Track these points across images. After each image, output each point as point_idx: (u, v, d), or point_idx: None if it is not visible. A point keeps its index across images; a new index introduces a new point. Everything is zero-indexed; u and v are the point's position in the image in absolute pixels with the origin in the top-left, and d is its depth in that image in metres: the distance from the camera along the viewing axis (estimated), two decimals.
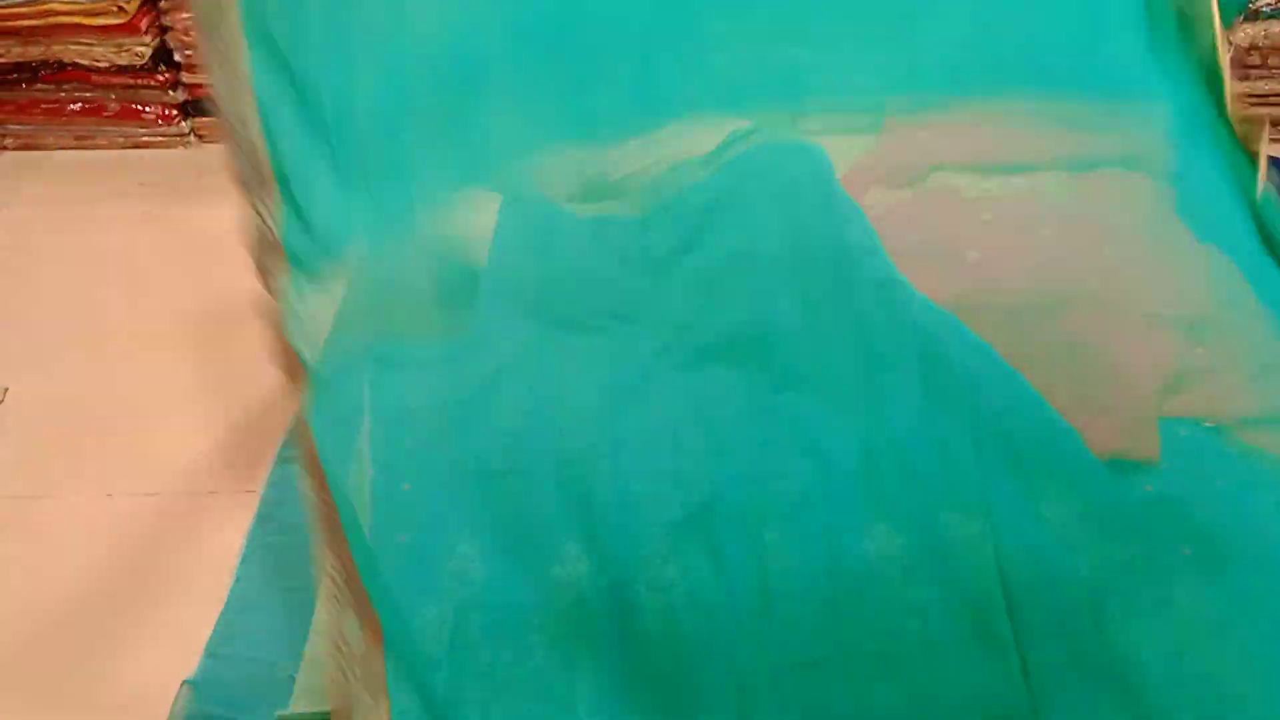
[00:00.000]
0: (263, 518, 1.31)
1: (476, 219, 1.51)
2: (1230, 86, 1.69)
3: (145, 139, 2.32)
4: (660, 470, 1.33)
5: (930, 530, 1.26)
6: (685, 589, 1.21)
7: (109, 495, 1.37)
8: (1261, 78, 2.31)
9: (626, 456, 1.34)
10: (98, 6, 2.14)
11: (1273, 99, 2.31)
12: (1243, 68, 2.29)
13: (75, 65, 2.23)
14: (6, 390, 1.54)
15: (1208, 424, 1.38)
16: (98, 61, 2.21)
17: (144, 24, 2.17)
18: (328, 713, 1.07)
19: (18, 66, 2.24)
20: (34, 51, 2.21)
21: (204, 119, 2.33)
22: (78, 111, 2.29)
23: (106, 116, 2.29)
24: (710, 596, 1.18)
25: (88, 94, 2.28)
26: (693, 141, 1.65)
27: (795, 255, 1.51)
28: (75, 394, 1.55)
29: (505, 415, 1.38)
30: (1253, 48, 2.26)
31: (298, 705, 1.08)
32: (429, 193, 1.53)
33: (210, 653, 1.14)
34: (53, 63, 2.23)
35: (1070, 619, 1.15)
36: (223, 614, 1.18)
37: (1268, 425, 1.29)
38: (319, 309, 1.38)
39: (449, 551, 1.22)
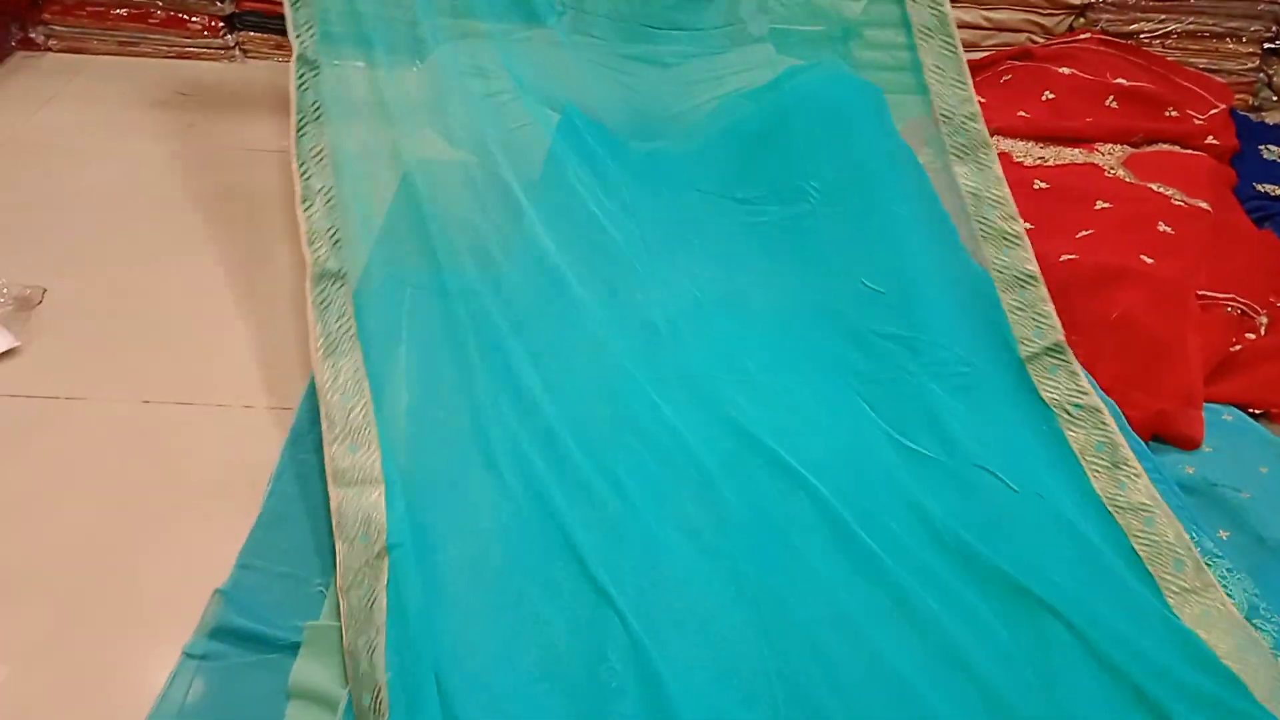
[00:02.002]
0: (297, 435, 1.30)
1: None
2: None
3: (190, 49, 2.30)
4: (697, 406, 1.33)
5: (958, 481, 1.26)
6: (713, 529, 1.20)
7: (146, 401, 1.37)
8: None
9: (666, 390, 1.34)
10: None
11: None
12: None
13: None
14: (45, 291, 1.53)
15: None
16: None
17: None
18: None
19: None
20: None
21: (249, 34, 2.30)
22: (123, 17, 2.26)
23: (152, 24, 2.27)
24: (741, 537, 1.18)
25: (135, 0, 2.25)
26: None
27: (844, 193, 1.50)
28: (113, 298, 1.55)
29: (540, 345, 1.38)
30: None
31: (327, 618, 1.08)
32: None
33: (242, 564, 1.14)
34: None
35: None
36: (255, 526, 1.18)
37: None
38: None
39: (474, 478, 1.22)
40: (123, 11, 2.25)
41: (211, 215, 1.76)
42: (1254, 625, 1.10)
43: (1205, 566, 1.14)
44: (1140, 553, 1.17)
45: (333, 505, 1.14)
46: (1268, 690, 1.03)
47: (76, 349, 1.45)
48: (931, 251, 1.45)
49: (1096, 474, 1.25)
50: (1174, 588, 1.13)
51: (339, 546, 1.11)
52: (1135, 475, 1.24)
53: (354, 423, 1.20)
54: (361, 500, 1.13)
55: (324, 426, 1.20)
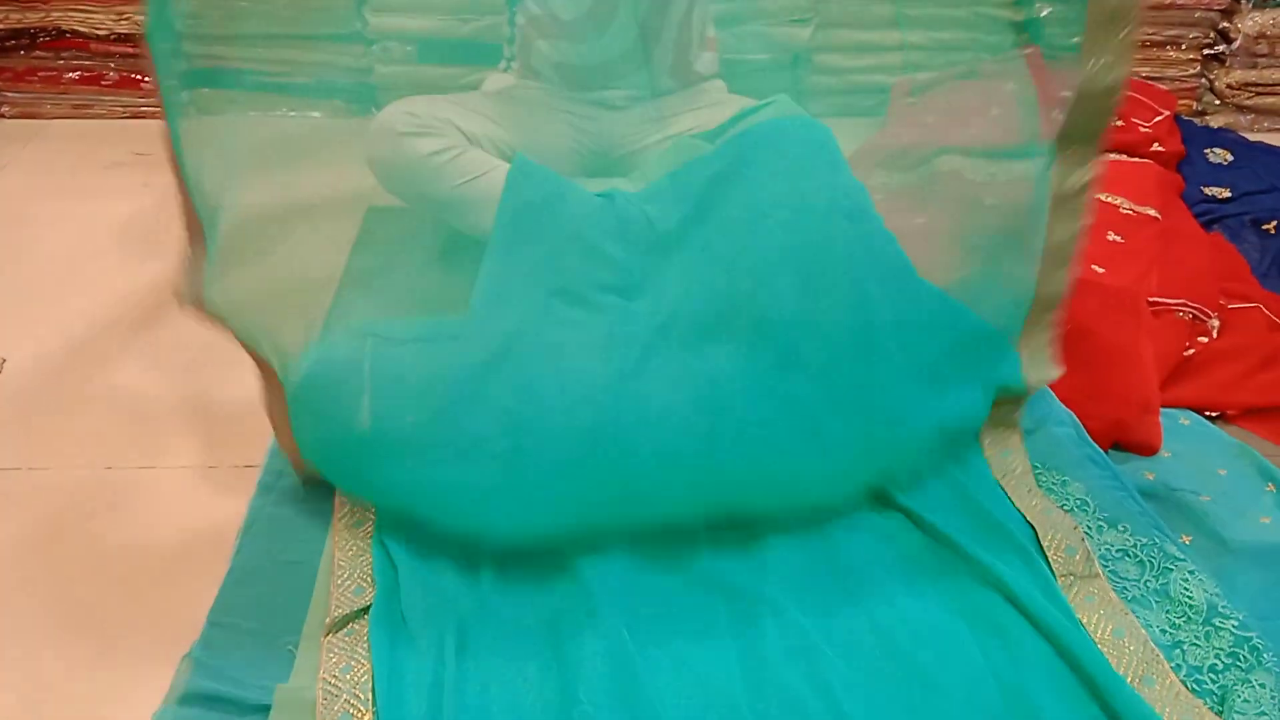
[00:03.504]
0: (264, 488, 1.30)
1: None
2: None
3: (144, 109, 2.30)
4: (661, 451, 1.33)
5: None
6: (685, 571, 1.21)
7: (109, 468, 1.36)
8: (1268, 66, 2.31)
9: (627, 437, 1.34)
10: None
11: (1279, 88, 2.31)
12: (1250, 55, 2.29)
13: (74, 33, 2.21)
14: (4, 360, 1.53)
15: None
16: (97, 29, 2.19)
17: None
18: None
19: (16, 33, 2.22)
20: (33, 18, 2.19)
21: (204, 90, 2.31)
22: (76, 80, 2.27)
23: (105, 85, 2.27)
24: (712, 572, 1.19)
25: (86, 62, 2.26)
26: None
27: (798, 233, 1.51)
28: (73, 365, 1.54)
29: (506, 393, 1.38)
30: (1261, 36, 2.26)
31: (296, 679, 1.08)
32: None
33: (212, 621, 1.13)
34: (51, 29, 2.21)
35: None
36: (225, 582, 1.18)
37: None
38: None
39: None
40: (75, 75, 2.26)
41: (170, 274, 1.75)
42: (1213, 624, 1.12)
43: (1095, 557, 1.20)
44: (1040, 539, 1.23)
45: (333, 563, 1.19)
46: (1138, 676, 1.07)
47: (37, 418, 1.45)
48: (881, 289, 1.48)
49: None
50: (1063, 572, 1.18)
51: (333, 593, 1.15)
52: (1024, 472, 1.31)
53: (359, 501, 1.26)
54: (358, 561, 1.19)
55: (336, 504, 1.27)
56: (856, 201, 1.54)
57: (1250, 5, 2.25)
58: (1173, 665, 1.08)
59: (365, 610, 1.13)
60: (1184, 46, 2.34)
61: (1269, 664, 1.08)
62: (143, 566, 1.23)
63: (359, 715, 1.03)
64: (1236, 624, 1.12)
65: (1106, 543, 1.23)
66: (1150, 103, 2.16)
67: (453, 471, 1.26)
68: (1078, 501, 1.27)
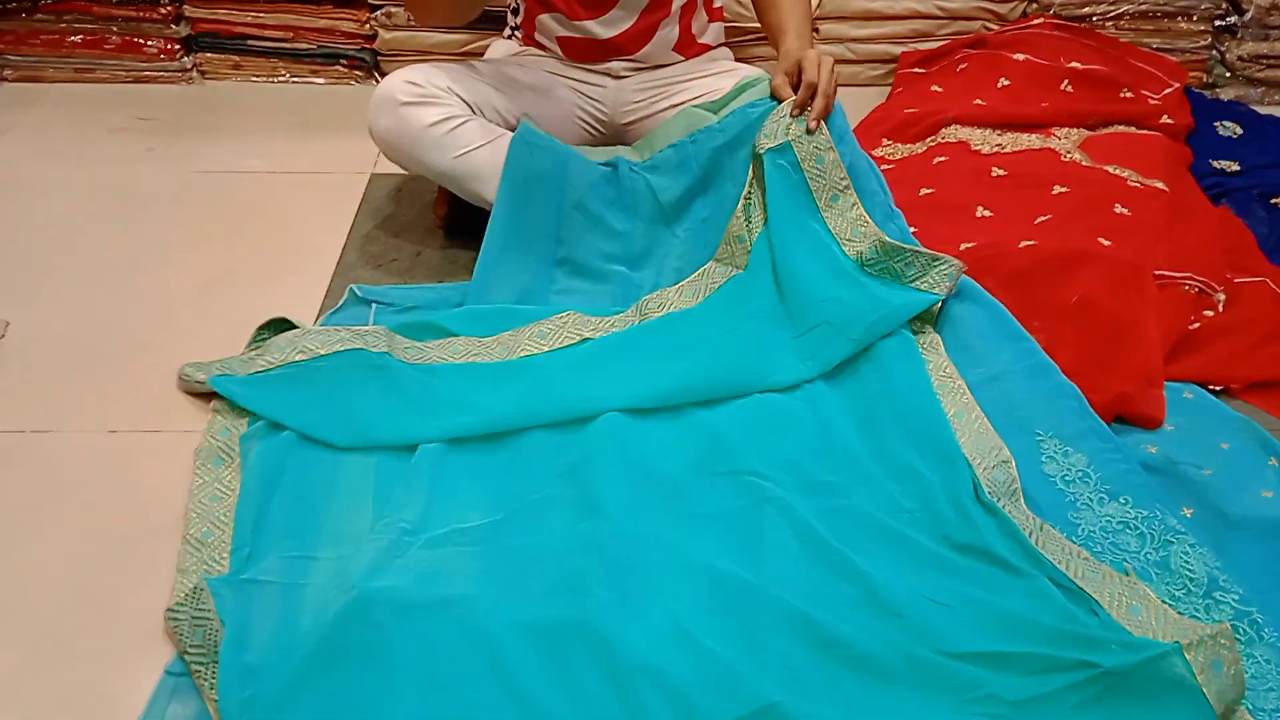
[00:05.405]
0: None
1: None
2: None
3: (146, 73, 2.29)
4: (662, 420, 1.33)
5: (929, 482, 1.27)
6: (681, 539, 1.21)
7: (112, 431, 1.37)
8: None
9: (625, 409, 1.34)
10: None
11: None
12: (1262, 27, 2.27)
13: None
14: (8, 324, 1.53)
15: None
16: None
17: None
18: None
19: None
20: None
21: (207, 55, 2.30)
22: (78, 44, 2.25)
23: (107, 49, 2.26)
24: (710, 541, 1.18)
25: (89, 26, 2.24)
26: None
27: (801, 202, 1.50)
28: (77, 329, 1.54)
29: (505, 365, 1.38)
30: (1273, 8, 2.23)
31: None
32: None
33: None
34: None
35: None
36: None
37: None
38: None
39: (444, 502, 1.22)
40: (77, 38, 2.24)
41: (172, 240, 1.75)
42: (1214, 597, 1.12)
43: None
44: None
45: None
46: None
47: (41, 381, 1.45)
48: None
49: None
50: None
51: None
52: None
53: None
54: None
55: None
56: (861, 174, 1.53)
57: None
58: None
59: None
60: (1195, 18, 2.31)
61: (1270, 639, 1.08)
62: (147, 527, 1.23)
63: None
64: (1237, 598, 1.11)
65: (1107, 515, 1.22)
66: (1160, 75, 2.14)
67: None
68: (1079, 473, 1.27)
